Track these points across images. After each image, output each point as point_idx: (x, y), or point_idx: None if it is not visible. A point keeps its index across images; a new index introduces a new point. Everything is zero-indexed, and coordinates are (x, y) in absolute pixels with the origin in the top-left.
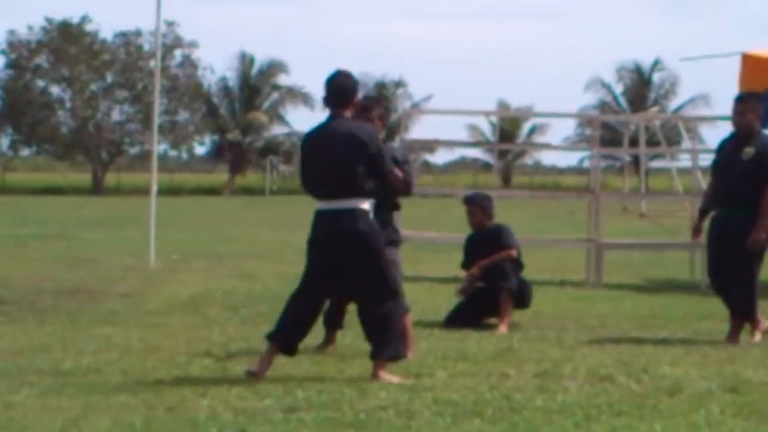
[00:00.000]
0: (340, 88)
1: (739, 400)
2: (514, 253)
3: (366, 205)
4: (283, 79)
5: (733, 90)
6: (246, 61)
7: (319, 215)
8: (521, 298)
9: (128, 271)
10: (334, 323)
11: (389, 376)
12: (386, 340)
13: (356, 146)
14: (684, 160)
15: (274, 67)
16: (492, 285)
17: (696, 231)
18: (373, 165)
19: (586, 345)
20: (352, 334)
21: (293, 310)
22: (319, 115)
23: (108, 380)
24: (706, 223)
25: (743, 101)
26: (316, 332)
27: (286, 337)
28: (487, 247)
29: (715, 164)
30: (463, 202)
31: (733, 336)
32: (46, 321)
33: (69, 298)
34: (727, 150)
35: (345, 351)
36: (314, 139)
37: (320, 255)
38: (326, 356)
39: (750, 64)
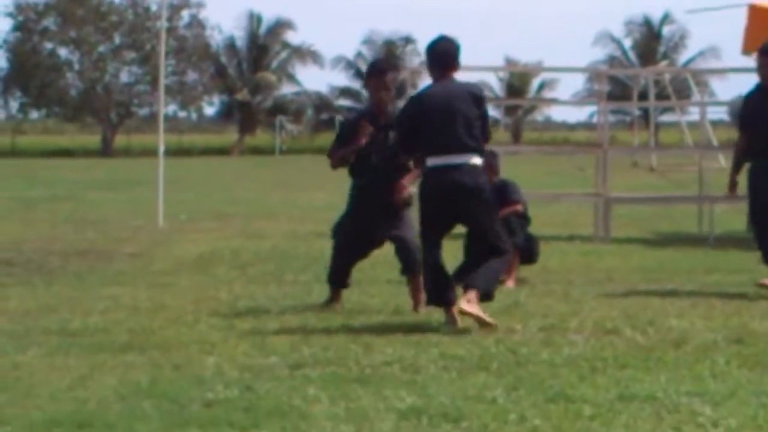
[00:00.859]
0: (448, 52)
1: (745, 351)
2: (520, 208)
3: (479, 160)
4: (291, 38)
5: (741, 42)
6: (254, 20)
7: (436, 170)
8: (528, 253)
9: (137, 231)
10: (340, 281)
11: (476, 309)
12: (485, 277)
13: (475, 104)
14: (694, 114)
15: (282, 26)
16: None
17: (732, 186)
18: (483, 124)
19: (592, 299)
20: (359, 291)
21: (426, 265)
22: (327, 71)
23: (115, 339)
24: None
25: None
26: (323, 289)
27: (435, 290)
28: None
29: (743, 118)
30: None
31: None
32: (54, 282)
33: (77, 259)
34: (754, 103)
35: (352, 307)
36: (429, 98)
37: (437, 207)
38: (333, 313)
39: (756, 15)
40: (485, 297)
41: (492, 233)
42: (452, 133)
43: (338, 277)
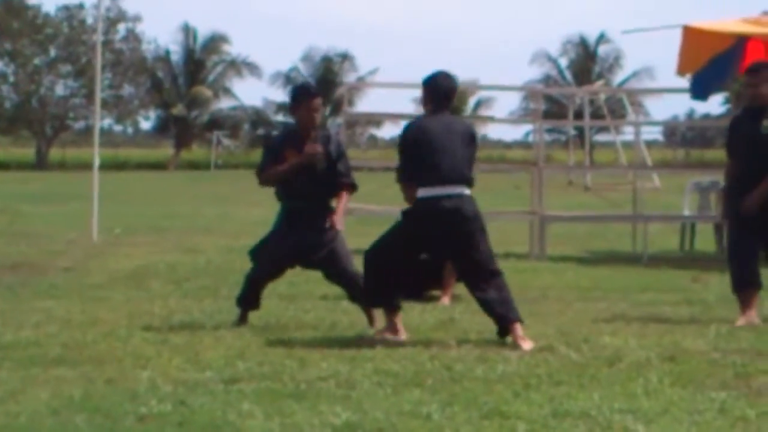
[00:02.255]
0: (453, 88)
1: (677, 369)
2: None
3: (469, 191)
4: (226, 53)
5: (675, 63)
6: (189, 34)
7: (432, 199)
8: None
9: (71, 245)
10: (254, 303)
11: (524, 340)
12: (508, 304)
13: (471, 141)
14: (628, 134)
15: (218, 40)
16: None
17: (726, 213)
18: (472, 159)
19: (527, 316)
20: (294, 306)
21: (385, 275)
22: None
23: (48, 353)
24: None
25: (756, 72)
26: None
27: (382, 291)
28: None
29: (732, 143)
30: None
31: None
32: None
33: (10, 272)
34: (742, 126)
35: (287, 322)
36: (431, 128)
37: (429, 232)
38: (268, 327)
39: (691, 35)
40: (519, 320)
41: (491, 257)
42: (456, 165)
43: (252, 299)
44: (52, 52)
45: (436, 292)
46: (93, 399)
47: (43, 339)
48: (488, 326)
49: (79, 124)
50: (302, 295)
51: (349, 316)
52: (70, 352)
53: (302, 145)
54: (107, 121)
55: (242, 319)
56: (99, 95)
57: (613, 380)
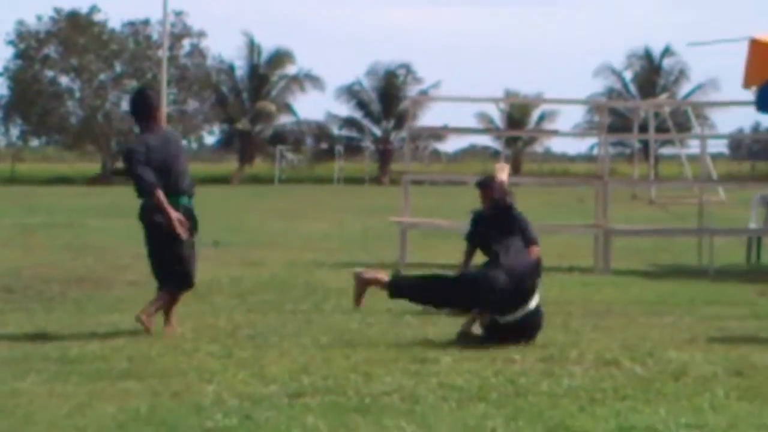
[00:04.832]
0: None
1: (744, 384)
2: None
3: None
4: (290, 68)
5: (741, 76)
6: (254, 50)
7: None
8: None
9: (136, 259)
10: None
11: None
12: None
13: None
14: (694, 147)
15: (282, 56)
16: None
17: None
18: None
19: (591, 330)
20: (358, 321)
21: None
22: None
23: (114, 367)
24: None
25: None
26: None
27: None
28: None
29: None
30: (477, 185)
31: None
32: (53, 309)
33: (76, 286)
34: None
35: (352, 337)
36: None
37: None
38: (332, 342)
39: (757, 48)
40: None
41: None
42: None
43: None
44: (118, 68)
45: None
46: (159, 413)
47: (110, 353)
48: (553, 340)
49: None
50: (366, 309)
51: (413, 330)
52: (136, 366)
53: None
54: None
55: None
56: (164, 110)
57: (679, 395)
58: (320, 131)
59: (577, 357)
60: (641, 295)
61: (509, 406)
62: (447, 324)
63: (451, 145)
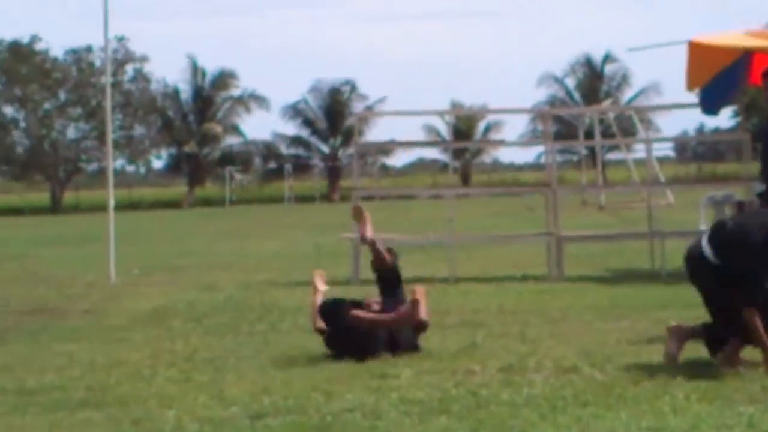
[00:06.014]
0: None
1: (703, 385)
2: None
3: None
4: (234, 89)
5: (682, 79)
6: (198, 72)
7: None
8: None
9: (89, 287)
10: None
11: None
12: None
13: None
14: (639, 151)
15: (225, 77)
16: None
17: None
18: None
19: (549, 338)
20: (317, 339)
21: None
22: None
23: (72, 396)
24: None
25: None
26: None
27: None
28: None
29: (766, 150)
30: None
31: None
32: (7, 341)
33: (30, 317)
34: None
35: (311, 356)
36: None
37: None
38: (291, 362)
39: (697, 50)
40: None
41: None
42: None
43: None
44: (62, 96)
45: None
46: None
47: (67, 382)
48: (511, 349)
49: (92, 166)
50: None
51: None
52: (95, 395)
53: None
54: (119, 162)
55: None
56: (111, 136)
57: (639, 399)
58: (268, 151)
59: (536, 365)
60: (596, 300)
61: (471, 418)
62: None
63: (399, 159)
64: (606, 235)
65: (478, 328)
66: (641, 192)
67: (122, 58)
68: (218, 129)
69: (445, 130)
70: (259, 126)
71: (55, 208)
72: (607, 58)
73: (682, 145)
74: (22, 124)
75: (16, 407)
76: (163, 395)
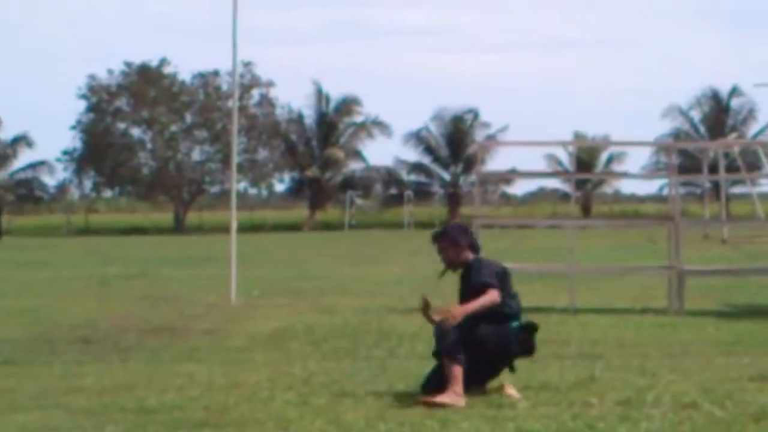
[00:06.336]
0: None
1: None
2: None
3: None
4: (357, 115)
5: None
6: (322, 98)
7: None
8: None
9: (210, 308)
10: None
11: None
12: None
13: None
14: (765, 185)
15: (349, 103)
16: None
17: None
18: None
19: (668, 372)
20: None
21: None
22: (396, 144)
23: (191, 417)
24: None
25: None
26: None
27: None
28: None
29: None
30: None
31: None
32: (130, 359)
33: (152, 336)
34: None
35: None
36: None
37: None
38: (408, 388)
39: None
40: None
41: None
42: None
43: None
44: (189, 119)
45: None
46: None
47: (186, 402)
48: (630, 383)
49: (215, 188)
50: None
51: None
52: (214, 416)
53: None
54: (242, 184)
55: None
56: (235, 159)
57: None
58: (389, 177)
59: (654, 400)
60: (717, 335)
61: None
62: (522, 369)
63: (520, 187)
64: (729, 270)
65: (596, 360)
66: (765, 226)
67: (248, 82)
68: (341, 154)
69: (566, 160)
70: (381, 152)
71: (178, 228)
72: (734, 91)
73: None
74: (149, 146)
75: (136, 425)
76: (281, 418)
